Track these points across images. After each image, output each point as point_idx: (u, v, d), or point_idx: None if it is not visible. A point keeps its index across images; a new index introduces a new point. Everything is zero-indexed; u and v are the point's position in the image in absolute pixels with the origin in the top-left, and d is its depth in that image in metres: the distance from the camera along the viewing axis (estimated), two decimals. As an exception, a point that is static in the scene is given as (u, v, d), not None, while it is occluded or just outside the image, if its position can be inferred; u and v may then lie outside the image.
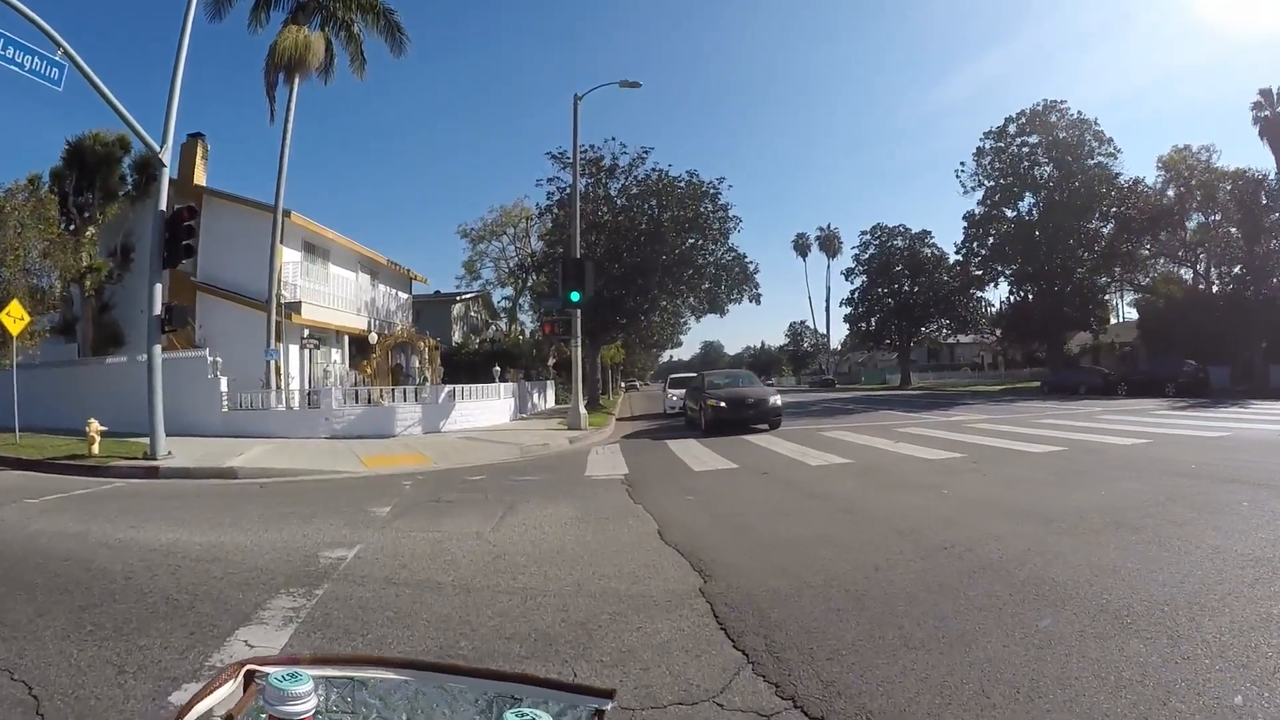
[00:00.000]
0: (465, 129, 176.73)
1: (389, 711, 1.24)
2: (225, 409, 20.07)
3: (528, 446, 16.43)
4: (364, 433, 19.21)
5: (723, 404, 18.37)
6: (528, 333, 48.55)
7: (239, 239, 23.56)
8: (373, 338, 25.95)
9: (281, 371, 23.10)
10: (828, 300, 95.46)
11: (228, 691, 1.19)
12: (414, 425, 20.19)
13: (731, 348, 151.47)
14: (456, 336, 42.64)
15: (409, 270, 34.73)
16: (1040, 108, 46.98)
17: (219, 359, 20.41)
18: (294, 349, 24.22)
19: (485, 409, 22.98)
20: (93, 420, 14.51)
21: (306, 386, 22.95)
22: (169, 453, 14.07)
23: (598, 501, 9.05)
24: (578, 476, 11.74)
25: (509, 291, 51.49)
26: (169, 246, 14.31)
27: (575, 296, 20.18)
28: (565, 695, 1.23)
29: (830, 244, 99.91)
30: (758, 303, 36.59)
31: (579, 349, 21.68)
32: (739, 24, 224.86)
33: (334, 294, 27.18)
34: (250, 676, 1.23)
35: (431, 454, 15.35)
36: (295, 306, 23.91)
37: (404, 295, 34.71)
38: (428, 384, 22.49)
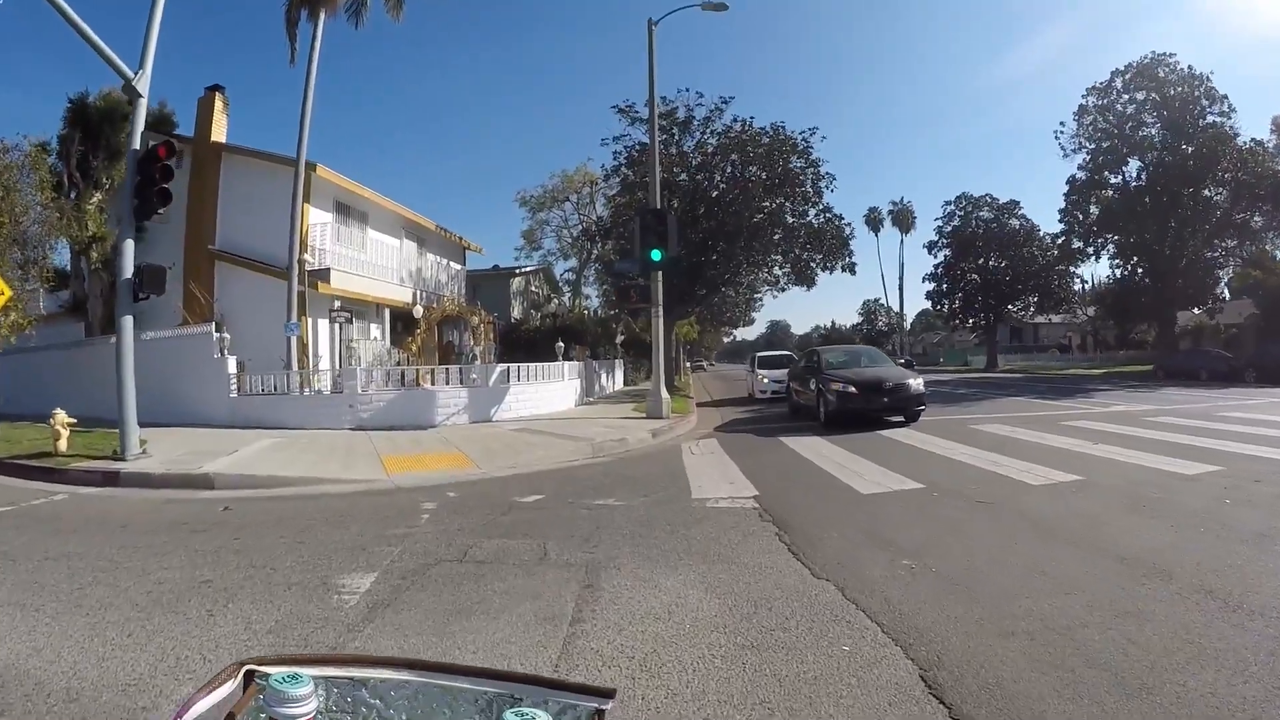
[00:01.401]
0: (524, 90, 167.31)
1: (389, 712, 1.22)
2: (234, 394, 16.78)
3: (601, 443, 12.72)
4: (397, 422, 15.76)
5: (852, 389, 14.43)
6: (593, 308, 44.99)
7: (264, 201, 20.28)
8: (418, 311, 22.49)
9: (309, 349, 19.89)
10: (901, 278, 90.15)
11: (227, 691, 1.15)
12: (459, 413, 16.62)
13: (798, 327, 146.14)
14: (516, 312, 39.70)
15: (462, 238, 31.37)
16: (1148, 60, 42.18)
17: (227, 335, 17.21)
18: (323, 324, 20.83)
19: (546, 393, 19.31)
20: (59, 411, 12.05)
21: (337, 366, 19.60)
22: (142, 450, 11.52)
23: (739, 567, 5.24)
24: (683, 499, 8.00)
25: (572, 263, 48.07)
26: (141, 193, 11.53)
27: (657, 255, 16.40)
28: (565, 695, 1.19)
29: (904, 219, 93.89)
30: (852, 272, 32.36)
31: (660, 320, 17.80)
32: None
33: (373, 262, 23.93)
34: (250, 676, 1.20)
35: (475, 452, 11.77)
36: (323, 274, 20.69)
37: (457, 266, 31.37)
38: (477, 362, 18.86)
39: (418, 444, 13.05)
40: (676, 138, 29.22)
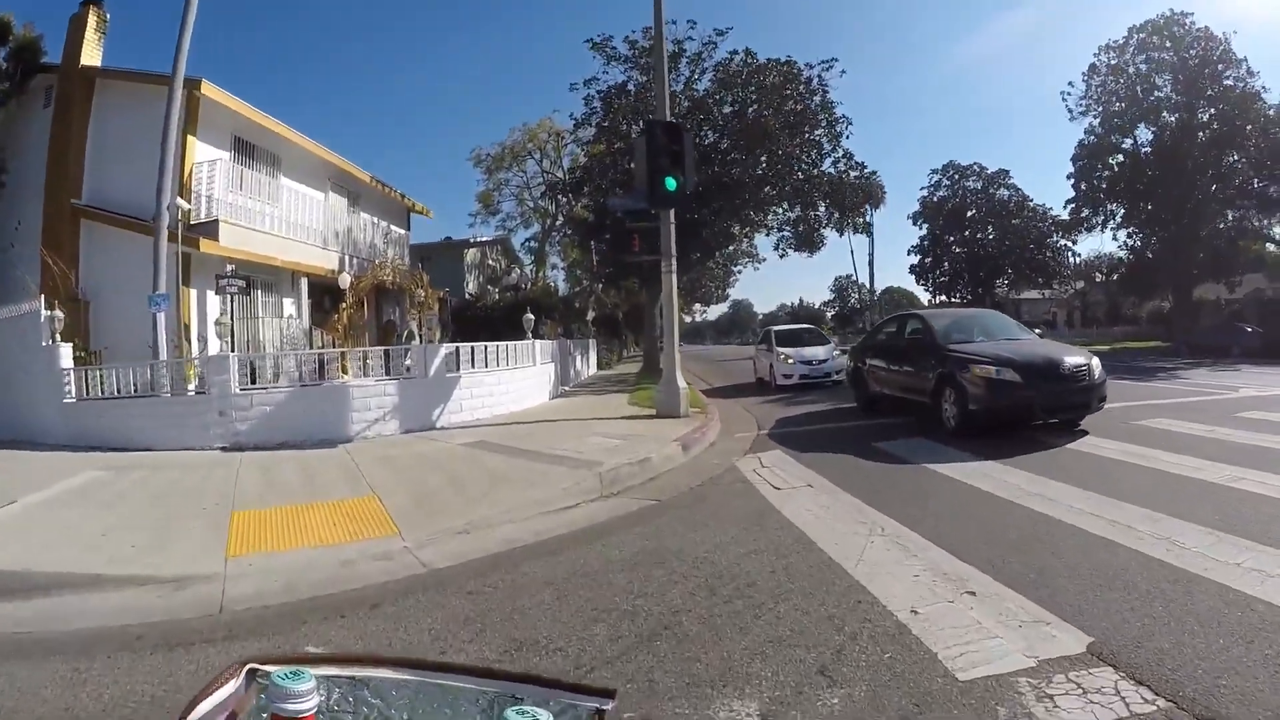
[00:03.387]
0: (484, 31, 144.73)
1: (390, 710, 1.21)
2: (69, 397, 11.71)
3: (612, 469, 7.80)
4: (293, 436, 10.72)
5: (1011, 375, 9.35)
6: (558, 283, 40.00)
7: (149, 142, 14.49)
8: (344, 279, 17.12)
9: (192, 331, 14.74)
10: (871, 254, 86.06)
11: (230, 690, 1.14)
12: (386, 418, 11.50)
13: (760, 307, 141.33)
14: (471, 288, 34.57)
15: (405, 196, 26.02)
16: (1163, 19, 38.87)
17: (59, 315, 12.19)
18: (211, 295, 15.48)
19: (511, 383, 14.14)
20: None
21: (230, 350, 14.31)
22: None
23: None
24: (917, 677, 3.20)
25: (535, 230, 43.05)
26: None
27: (672, 185, 11.41)
28: (566, 695, 1.19)
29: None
30: (869, 234, 27.81)
31: (673, 277, 12.71)
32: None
33: (287, 218, 18.57)
34: (252, 675, 1.18)
35: (399, 499, 6.88)
36: (209, 228, 15.49)
37: (399, 231, 26.05)
38: (415, 343, 13.60)
39: (309, 480, 7.99)
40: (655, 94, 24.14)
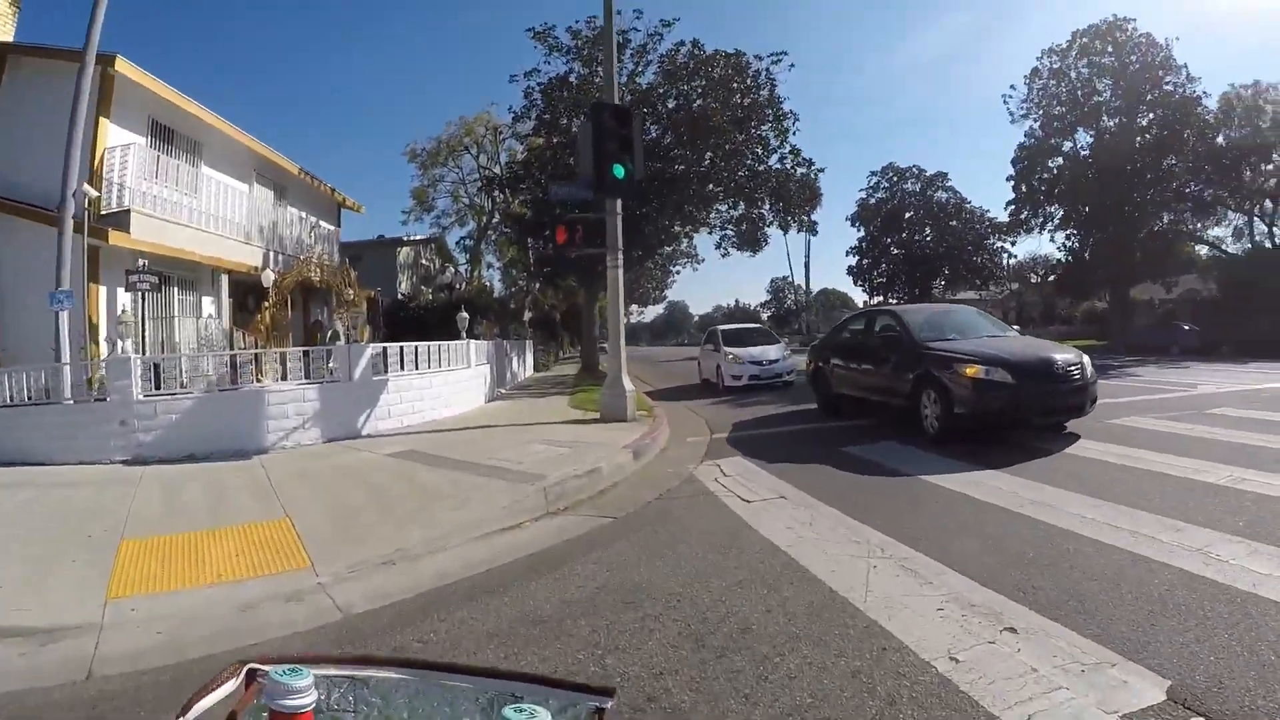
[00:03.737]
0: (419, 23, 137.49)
1: (390, 710, 1.21)
2: None
3: (558, 482, 6.94)
4: (202, 446, 9.61)
5: (1003, 376, 8.56)
6: (493, 283, 38.85)
7: (60, 122, 12.97)
8: (267, 277, 15.91)
9: (99, 331, 13.58)
10: (807, 255, 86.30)
11: (229, 690, 1.14)
12: (307, 425, 10.42)
13: (695, 308, 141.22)
14: (404, 287, 33.25)
15: (335, 190, 24.71)
16: (1106, 25, 39.45)
17: None
18: (121, 293, 14.15)
19: (445, 386, 13.14)
20: None
21: (141, 351, 13.07)
22: None
23: None
24: None
25: (471, 228, 41.81)
26: None
27: (620, 172, 10.54)
28: (566, 693, 1.18)
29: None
30: (814, 232, 27.23)
31: (620, 271, 11.86)
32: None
33: (208, 211, 17.20)
34: (251, 675, 1.18)
35: (315, 521, 6.00)
36: (120, 219, 14.19)
37: (329, 227, 24.59)
38: (340, 342, 12.49)
39: (215, 499, 6.99)
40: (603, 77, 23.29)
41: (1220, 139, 36.61)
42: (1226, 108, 36.99)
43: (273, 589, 4.45)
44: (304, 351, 11.32)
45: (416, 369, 12.37)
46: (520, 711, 0.99)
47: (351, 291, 16.31)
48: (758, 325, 24.74)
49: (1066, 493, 5.98)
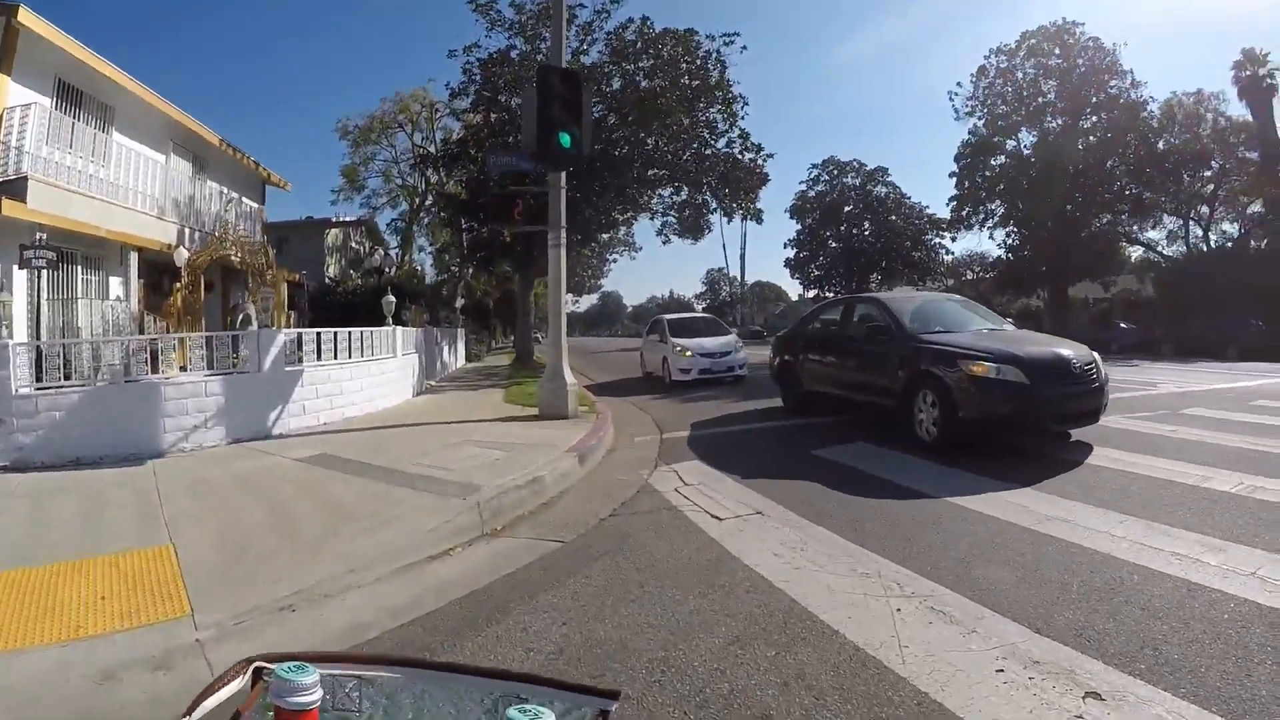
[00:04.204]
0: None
1: (395, 709, 1.20)
2: None
3: (496, 494, 5.95)
4: (90, 449, 8.35)
5: (1017, 376, 7.40)
6: (425, 268, 37.45)
7: None
8: (180, 255, 14.54)
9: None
10: (743, 247, 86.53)
11: (236, 688, 1.15)
12: (211, 423, 9.20)
13: (629, 299, 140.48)
14: (332, 271, 31.85)
15: (260, 166, 23.17)
16: (1054, 28, 39.92)
17: None
18: (16, 271, 12.72)
19: (367, 377, 11.99)
20: None
21: (37, 338, 11.74)
22: None
23: None
24: None
25: (403, 209, 40.50)
26: None
27: (567, 141, 9.50)
28: (570, 695, 1.17)
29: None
30: (759, 221, 26.49)
31: (563, 251, 10.77)
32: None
33: (118, 182, 15.73)
34: (258, 673, 1.19)
35: (202, 549, 4.91)
36: (14, 187, 12.75)
37: (253, 204, 23.08)
38: (252, 328, 11.21)
39: (91, 519, 5.84)
40: (550, 46, 22.29)
41: (1161, 144, 37.10)
42: (1169, 114, 37.57)
43: (141, 648, 3.40)
44: (206, 338, 10.02)
45: (336, 358, 11.18)
46: (525, 713, 0.98)
47: (270, 271, 14.96)
48: (705, 315, 23.79)
49: (1081, 505, 5.36)
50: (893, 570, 4.09)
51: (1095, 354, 8.08)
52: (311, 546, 4.74)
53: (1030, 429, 7.77)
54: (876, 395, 9.25)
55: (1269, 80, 35.14)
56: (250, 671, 1.17)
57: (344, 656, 1.28)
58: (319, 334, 11.04)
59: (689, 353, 16.60)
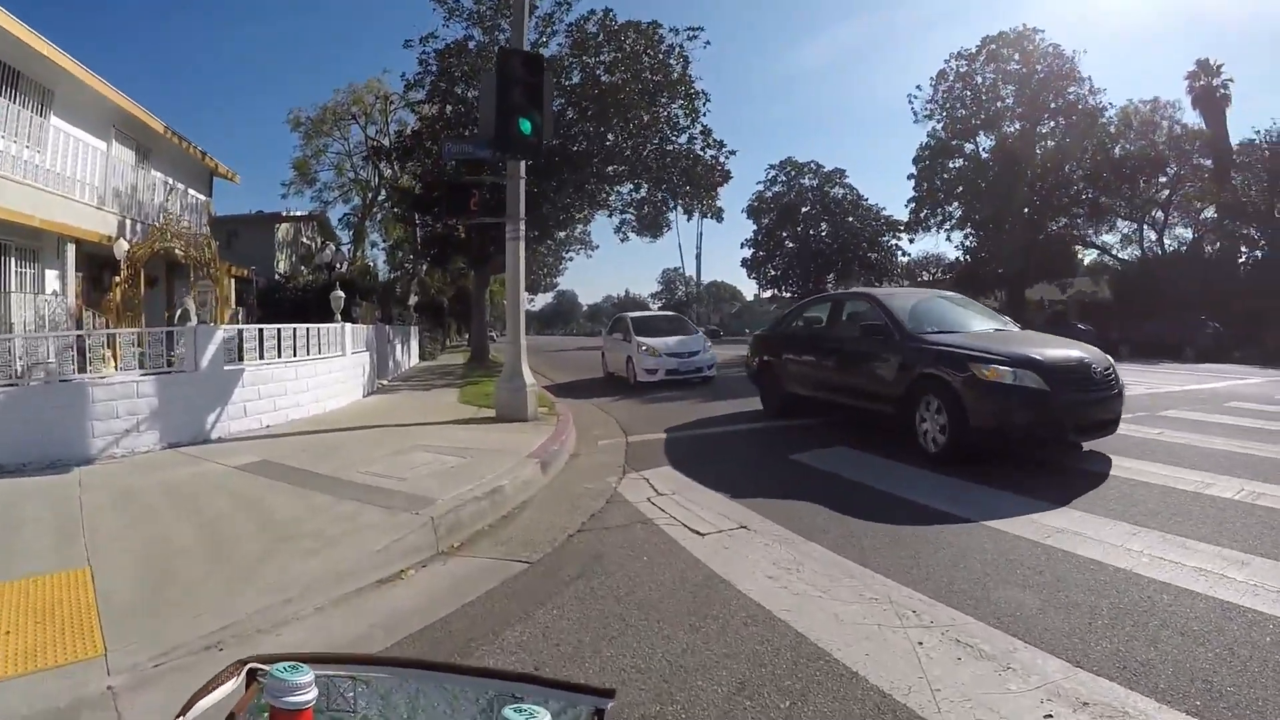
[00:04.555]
0: None
1: (390, 709, 1.19)
2: None
3: (452, 508, 5.41)
4: (11, 457, 7.63)
5: (1036, 382, 6.69)
6: (378, 264, 36.59)
7: None
8: (120, 247, 13.83)
9: None
10: (699, 246, 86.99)
11: (230, 689, 1.13)
12: (141, 429, 8.51)
13: (586, 298, 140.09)
14: (282, 267, 31.25)
15: (208, 156, 22.30)
16: (1015, 34, 40.47)
17: None
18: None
19: (314, 376, 11.35)
20: None
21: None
22: None
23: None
24: None
25: (356, 203, 39.64)
26: None
27: (527, 127, 8.96)
28: (566, 694, 1.16)
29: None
30: (719, 219, 26.17)
31: (521, 244, 10.23)
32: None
33: (55, 170, 14.85)
34: (252, 675, 1.17)
35: (122, 580, 4.24)
36: None
37: (199, 196, 22.06)
38: (191, 323, 10.50)
39: (6, 532, 5.25)
40: (509, 36, 21.73)
41: (1118, 150, 37.77)
42: (1126, 120, 38.26)
43: (43, 697, 2.87)
44: (138, 335, 9.31)
45: (280, 356, 10.53)
46: (520, 712, 0.98)
47: (214, 264, 14.21)
48: (671, 313, 23.29)
49: (1087, 515, 5.09)
50: (904, 595, 3.67)
51: (1110, 358, 7.53)
52: (245, 571, 4.18)
53: (1050, 440, 7.10)
54: (871, 401, 8.56)
55: (1222, 90, 36.06)
56: (244, 673, 1.15)
57: (339, 657, 1.25)
58: (261, 330, 10.36)
59: (656, 352, 16.06)
